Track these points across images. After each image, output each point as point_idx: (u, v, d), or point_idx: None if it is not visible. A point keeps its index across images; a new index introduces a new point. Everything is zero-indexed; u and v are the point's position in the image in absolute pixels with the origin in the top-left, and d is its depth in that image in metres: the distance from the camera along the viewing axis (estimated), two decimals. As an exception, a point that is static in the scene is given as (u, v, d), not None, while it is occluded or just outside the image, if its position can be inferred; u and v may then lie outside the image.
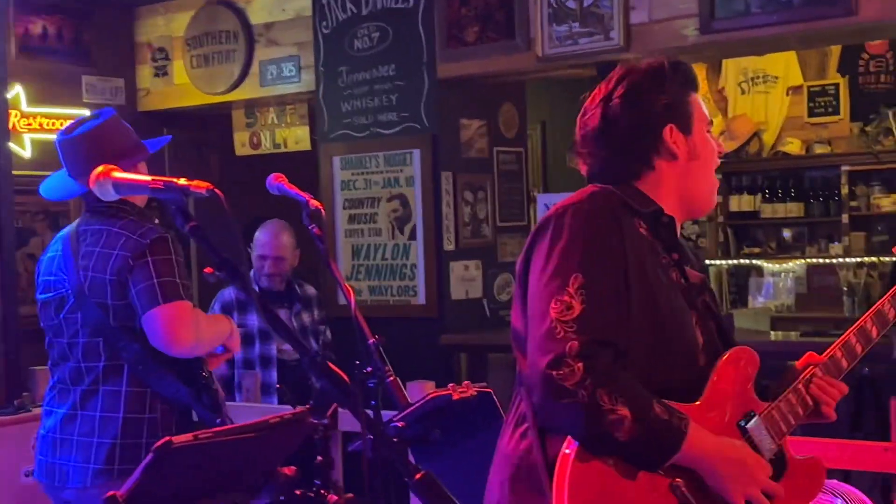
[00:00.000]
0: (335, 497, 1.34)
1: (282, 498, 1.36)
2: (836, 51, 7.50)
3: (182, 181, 1.49)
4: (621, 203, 1.89)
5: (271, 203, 5.06)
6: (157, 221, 3.01)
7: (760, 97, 7.75)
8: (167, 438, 1.19)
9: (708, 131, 2.03)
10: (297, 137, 6.60)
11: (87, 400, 2.91)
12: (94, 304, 2.87)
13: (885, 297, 2.16)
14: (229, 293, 4.59)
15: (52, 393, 3.00)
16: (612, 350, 1.75)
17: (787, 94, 7.70)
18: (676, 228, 1.99)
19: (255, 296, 1.40)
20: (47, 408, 3.00)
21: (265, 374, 4.48)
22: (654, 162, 1.94)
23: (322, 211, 2.49)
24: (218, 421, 2.54)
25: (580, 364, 1.70)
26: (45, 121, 5.99)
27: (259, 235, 4.64)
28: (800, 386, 1.95)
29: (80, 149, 2.91)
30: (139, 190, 1.56)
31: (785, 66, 7.65)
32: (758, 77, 7.73)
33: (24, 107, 5.85)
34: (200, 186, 1.48)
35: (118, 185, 1.55)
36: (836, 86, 7.50)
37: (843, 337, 2.04)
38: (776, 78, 7.69)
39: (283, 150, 6.62)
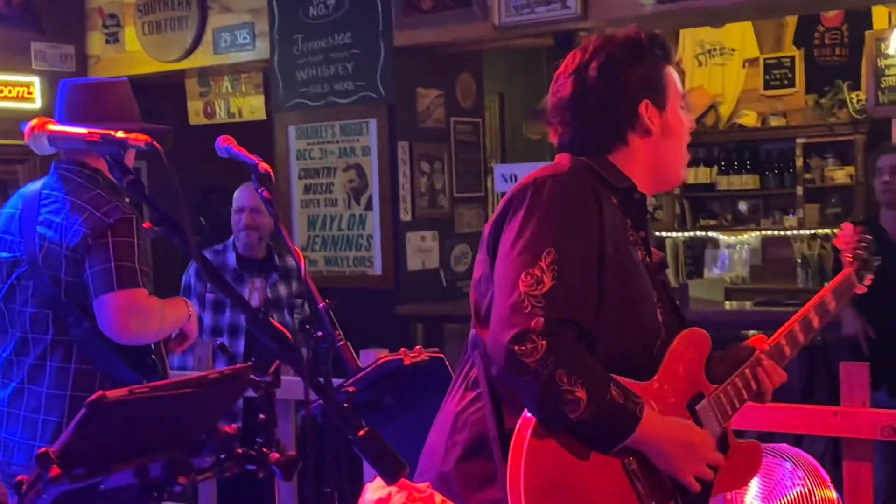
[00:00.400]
0: (277, 455, 1.31)
1: (223, 456, 1.33)
2: (791, 23, 7.52)
3: (120, 134, 1.44)
4: (598, 178, 1.87)
5: (226, 174, 5.01)
6: (126, 200, 2.87)
7: (717, 69, 7.77)
8: (101, 393, 1.15)
9: (682, 107, 2.01)
10: (252, 107, 6.51)
11: (35, 375, 2.81)
12: (47, 275, 2.76)
13: (825, 289, 2.19)
14: (209, 254, 4.53)
15: (1, 365, 2.90)
16: (577, 329, 1.74)
17: (744, 67, 7.73)
18: (646, 205, 1.98)
19: (195, 249, 1.37)
20: None
21: (233, 343, 4.42)
22: (627, 136, 1.92)
23: (272, 174, 2.44)
24: None
25: (544, 342, 1.69)
26: (-8, 87, 5.87)
27: (236, 193, 4.57)
28: (746, 370, 1.96)
29: (84, 94, 2.82)
30: (74, 143, 1.51)
31: (741, 38, 7.68)
32: (714, 49, 7.75)
33: (-29, 73, 5.74)
34: (139, 139, 1.43)
35: (53, 139, 1.50)
36: (792, 58, 7.54)
37: (786, 325, 2.07)
38: (733, 50, 7.71)
39: (238, 119, 6.53)
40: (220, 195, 6.49)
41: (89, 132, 1.46)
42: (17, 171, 5.90)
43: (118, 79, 2.97)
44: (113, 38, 6.31)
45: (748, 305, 5.61)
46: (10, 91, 5.95)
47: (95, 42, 6.39)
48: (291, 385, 2.17)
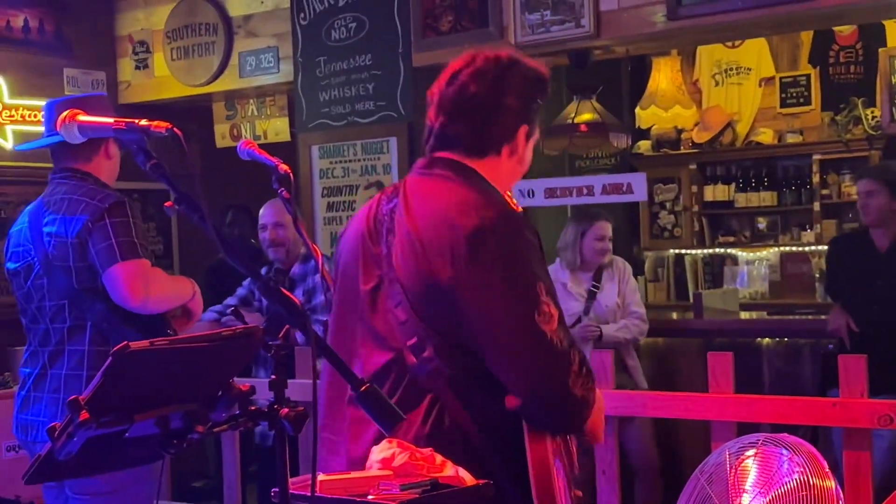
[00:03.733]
0: (286, 409, 1.44)
1: (237, 411, 1.46)
2: (807, 42, 7.63)
3: (143, 122, 1.59)
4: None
5: (251, 193, 5.18)
6: (118, 194, 3.12)
7: (734, 88, 7.88)
8: (124, 343, 1.28)
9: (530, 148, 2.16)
10: (276, 129, 6.68)
11: (55, 359, 3.05)
12: (58, 268, 3.01)
13: None
14: (263, 271, 4.75)
15: (27, 356, 3.17)
16: None
17: (760, 86, 7.84)
18: None
19: (210, 225, 1.50)
20: (22, 369, 3.15)
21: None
22: (502, 148, 2.05)
23: (291, 175, 2.59)
24: None
25: (585, 369, 1.84)
26: (26, 112, 6.06)
27: (261, 210, 4.77)
28: None
29: (61, 108, 3.07)
30: (103, 131, 1.66)
31: (757, 57, 7.79)
32: (731, 69, 7.86)
33: (6, 98, 5.93)
34: (161, 126, 1.58)
35: (83, 127, 1.65)
36: (808, 76, 7.64)
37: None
38: (749, 69, 7.82)
39: (262, 141, 6.69)
40: (236, 213, 6.66)
41: (115, 120, 1.61)
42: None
43: (97, 94, 3.25)
44: (142, 64, 6.52)
45: (765, 315, 5.68)
46: (42, 115, 6.14)
47: (126, 68, 6.59)
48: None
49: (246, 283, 4.87)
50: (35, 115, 6.09)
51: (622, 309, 4.82)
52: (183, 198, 1.55)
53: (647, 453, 4.84)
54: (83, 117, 1.65)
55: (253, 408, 1.46)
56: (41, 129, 6.07)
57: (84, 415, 1.28)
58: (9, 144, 5.91)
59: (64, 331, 3.04)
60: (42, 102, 6.06)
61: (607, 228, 4.93)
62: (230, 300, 4.83)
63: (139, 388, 1.34)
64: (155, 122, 1.58)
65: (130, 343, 1.27)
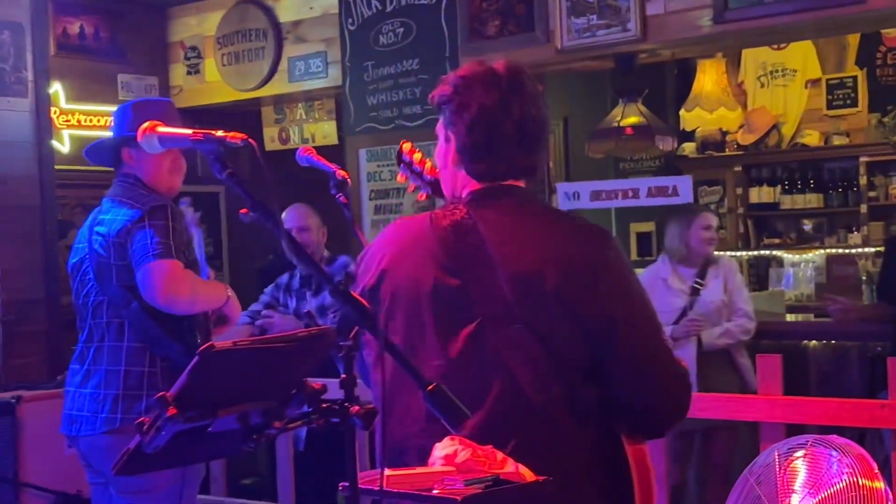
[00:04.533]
0: (357, 407, 1.51)
1: (310, 408, 1.54)
2: (853, 44, 7.60)
3: (219, 133, 1.67)
4: None
5: (300, 196, 5.28)
6: (161, 198, 3.23)
7: (779, 90, 7.87)
8: (210, 343, 1.36)
9: None
10: (324, 132, 6.79)
11: (97, 355, 3.20)
12: (103, 266, 3.16)
13: None
14: (284, 277, 4.86)
15: (76, 353, 3.33)
16: None
17: (806, 87, 7.82)
18: None
19: (283, 230, 1.58)
20: (70, 365, 3.29)
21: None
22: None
23: (348, 180, 2.68)
24: None
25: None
26: (82, 117, 6.21)
27: (284, 215, 4.87)
28: None
29: (129, 113, 3.28)
30: (181, 142, 1.74)
31: (803, 59, 7.77)
32: (777, 71, 7.85)
33: (63, 104, 6.08)
34: (236, 137, 1.66)
35: (163, 138, 1.73)
36: (854, 78, 7.61)
37: None
38: (795, 71, 7.81)
39: (311, 144, 6.80)
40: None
41: (193, 132, 1.69)
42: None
43: (160, 99, 3.40)
44: (194, 70, 6.65)
45: (811, 318, 5.69)
46: (98, 120, 6.29)
47: (178, 73, 6.73)
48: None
49: (269, 290, 4.98)
50: (91, 120, 6.24)
51: (728, 307, 4.76)
52: (257, 205, 1.62)
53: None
54: (163, 129, 1.74)
55: (324, 404, 1.54)
56: (97, 133, 6.27)
57: (171, 410, 1.37)
58: (65, 149, 6.06)
59: (104, 327, 3.19)
60: (97, 108, 6.27)
61: (712, 219, 4.98)
62: (255, 306, 4.93)
63: (222, 386, 1.42)
64: (230, 133, 1.66)
65: (216, 343, 1.35)
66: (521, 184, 2.00)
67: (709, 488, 4.81)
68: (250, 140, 1.64)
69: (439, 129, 2.06)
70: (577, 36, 5.21)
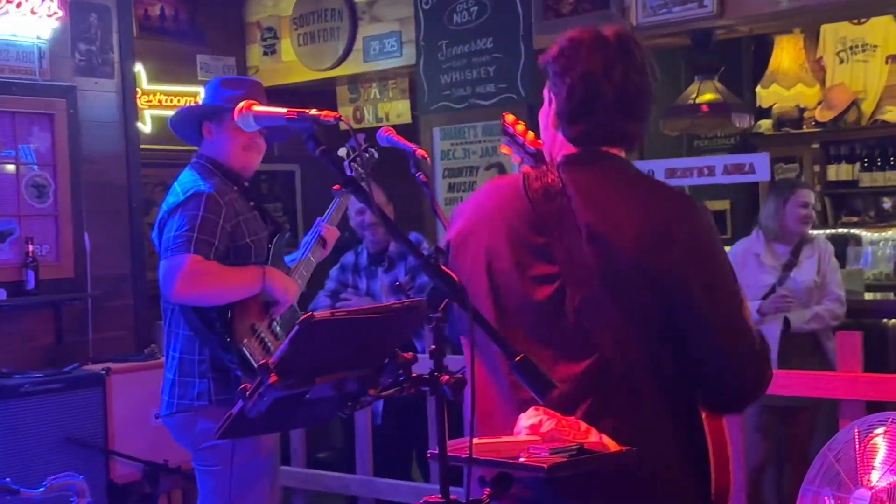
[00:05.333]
0: (446, 377, 1.56)
1: (402, 377, 1.59)
2: (937, 18, 7.42)
3: (313, 111, 1.73)
4: None
5: (376, 175, 5.36)
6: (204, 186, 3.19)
7: (859, 66, 7.71)
8: (310, 313, 1.42)
9: None
10: (398, 111, 6.84)
11: (167, 339, 3.28)
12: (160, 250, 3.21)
13: None
14: (349, 257, 4.94)
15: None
16: None
17: (887, 63, 7.65)
18: None
19: (375, 204, 1.63)
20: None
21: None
22: None
23: (427, 159, 2.73)
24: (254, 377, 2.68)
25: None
26: (163, 97, 6.36)
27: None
28: None
29: (218, 87, 3.31)
30: (276, 120, 1.80)
31: (884, 34, 7.60)
32: (856, 46, 7.69)
33: (145, 84, 6.23)
34: (329, 115, 1.72)
35: (258, 117, 1.80)
36: (937, 53, 7.43)
37: None
38: (875, 47, 7.64)
39: (385, 123, 6.86)
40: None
41: (288, 111, 1.75)
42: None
43: (249, 78, 3.43)
44: (270, 50, 6.75)
45: (891, 296, 5.60)
46: (178, 100, 6.43)
47: (254, 54, 6.84)
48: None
49: (334, 274, 5.02)
50: (171, 100, 6.38)
51: (819, 289, 4.67)
52: (349, 181, 1.68)
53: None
54: (258, 108, 1.80)
55: (415, 374, 1.59)
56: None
57: (273, 377, 1.43)
58: (147, 128, 6.21)
59: (169, 313, 3.26)
60: (177, 88, 6.41)
61: (810, 196, 4.87)
62: (324, 296, 4.99)
63: (320, 354, 1.48)
64: (324, 112, 1.72)
65: (315, 313, 1.41)
66: (619, 152, 2.01)
67: (788, 467, 4.78)
68: (342, 118, 1.70)
69: (545, 91, 2.07)
70: (652, 12, 5.18)
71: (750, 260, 4.67)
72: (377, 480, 4.49)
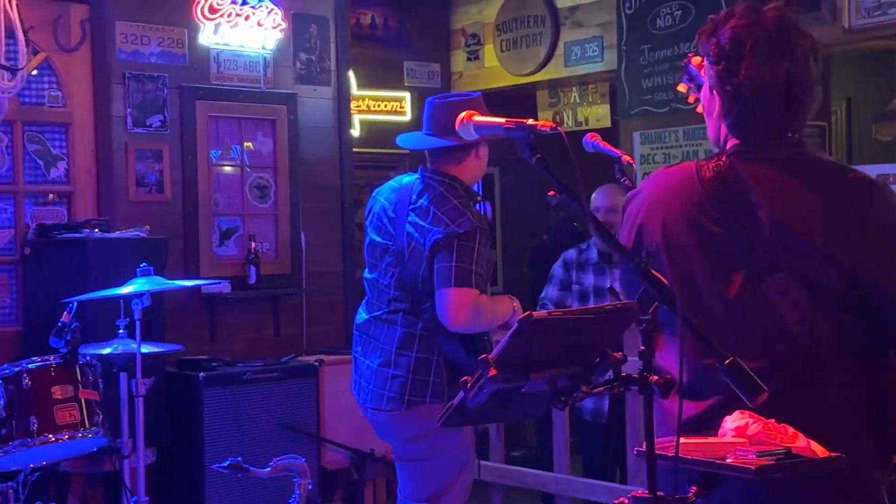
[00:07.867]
0: (656, 377, 1.63)
1: (611, 376, 1.67)
2: None
3: (530, 121, 1.83)
4: None
5: (570, 178, 5.42)
6: (473, 203, 3.36)
7: None
8: (528, 312, 1.52)
9: None
10: (597, 115, 6.88)
11: (389, 336, 3.35)
12: (410, 268, 3.31)
13: None
14: (571, 253, 5.03)
15: (361, 323, 3.49)
16: None
17: None
18: None
19: (590, 216, 1.71)
20: (356, 333, 3.52)
21: None
22: None
23: (633, 165, 2.78)
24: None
25: None
26: (372, 103, 6.64)
27: (594, 195, 5.02)
28: None
29: (444, 111, 3.33)
30: (495, 130, 1.91)
31: None
32: None
33: (354, 90, 6.52)
34: (546, 125, 1.81)
35: (478, 126, 1.91)
36: None
37: None
38: None
39: (584, 127, 6.91)
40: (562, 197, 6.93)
41: (507, 120, 1.86)
42: (390, 177, 6.64)
43: (473, 94, 3.46)
44: (474, 56, 6.93)
45: None
46: (385, 105, 6.70)
47: (458, 60, 7.03)
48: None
49: (558, 271, 5.04)
50: (379, 106, 6.66)
51: None
52: (563, 188, 1.77)
53: None
54: (479, 118, 1.92)
55: (624, 374, 1.66)
56: (385, 118, 6.69)
57: (492, 371, 1.54)
58: (356, 133, 6.49)
59: (401, 315, 3.34)
60: (385, 94, 6.68)
61: None
62: (552, 291, 5.06)
63: (535, 351, 1.57)
64: (540, 122, 1.81)
65: (533, 313, 1.51)
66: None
67: None
68: (558, 129, 1.79)
69: (706, 75, 2.06)
70: (866, 14, 5.03)
71: None
72: (574, 479, 4.56)
